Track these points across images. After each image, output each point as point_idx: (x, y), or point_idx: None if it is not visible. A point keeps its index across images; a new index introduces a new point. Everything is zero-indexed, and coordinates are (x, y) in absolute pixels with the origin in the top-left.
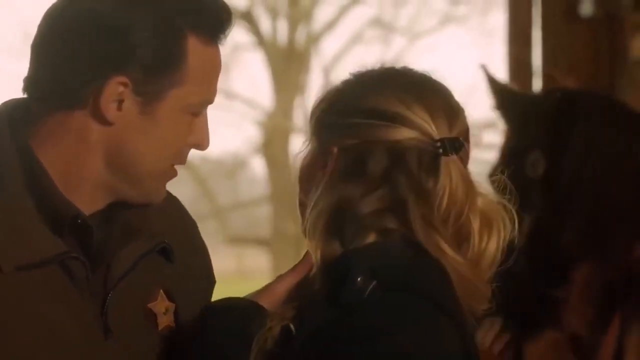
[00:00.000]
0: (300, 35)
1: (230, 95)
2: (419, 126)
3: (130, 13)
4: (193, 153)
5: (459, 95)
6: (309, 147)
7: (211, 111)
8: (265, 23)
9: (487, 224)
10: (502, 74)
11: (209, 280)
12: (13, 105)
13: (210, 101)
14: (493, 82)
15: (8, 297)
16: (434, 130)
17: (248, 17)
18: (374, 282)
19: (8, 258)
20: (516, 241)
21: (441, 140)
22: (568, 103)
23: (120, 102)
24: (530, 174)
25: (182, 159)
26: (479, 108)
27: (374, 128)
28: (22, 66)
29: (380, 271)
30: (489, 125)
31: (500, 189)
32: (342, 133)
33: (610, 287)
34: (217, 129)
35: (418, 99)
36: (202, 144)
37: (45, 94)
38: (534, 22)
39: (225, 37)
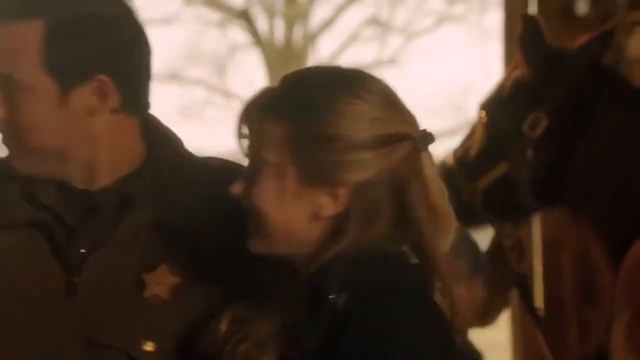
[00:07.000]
0: (297, 35)
1: (227, 95)
2: (411, 132)
3: None
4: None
5: (455, 94)
6: (272, 171)
7: (209, 110)
8: (262, 22)
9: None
10: (498, 73)
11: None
12: None
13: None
14: (527, 19)
15: None
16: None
17: (245, 17)
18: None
19: None
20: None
21: (422, 136)
22: (598, 85)
23: None
24: (524, 128)
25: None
26: (475, 106)
27: (387, 156)
28: None
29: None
30: None
31: None
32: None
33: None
34: (215, 128)
35: (398, 103)
36: None
37: None
38: None
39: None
